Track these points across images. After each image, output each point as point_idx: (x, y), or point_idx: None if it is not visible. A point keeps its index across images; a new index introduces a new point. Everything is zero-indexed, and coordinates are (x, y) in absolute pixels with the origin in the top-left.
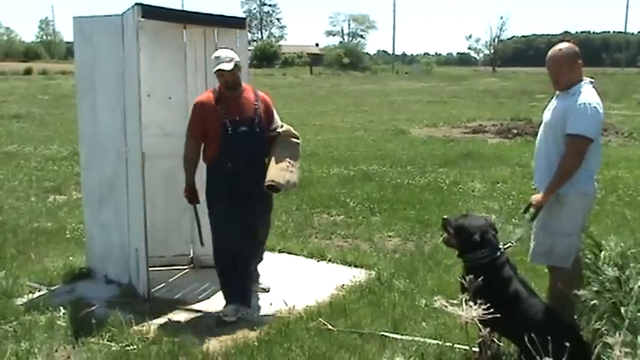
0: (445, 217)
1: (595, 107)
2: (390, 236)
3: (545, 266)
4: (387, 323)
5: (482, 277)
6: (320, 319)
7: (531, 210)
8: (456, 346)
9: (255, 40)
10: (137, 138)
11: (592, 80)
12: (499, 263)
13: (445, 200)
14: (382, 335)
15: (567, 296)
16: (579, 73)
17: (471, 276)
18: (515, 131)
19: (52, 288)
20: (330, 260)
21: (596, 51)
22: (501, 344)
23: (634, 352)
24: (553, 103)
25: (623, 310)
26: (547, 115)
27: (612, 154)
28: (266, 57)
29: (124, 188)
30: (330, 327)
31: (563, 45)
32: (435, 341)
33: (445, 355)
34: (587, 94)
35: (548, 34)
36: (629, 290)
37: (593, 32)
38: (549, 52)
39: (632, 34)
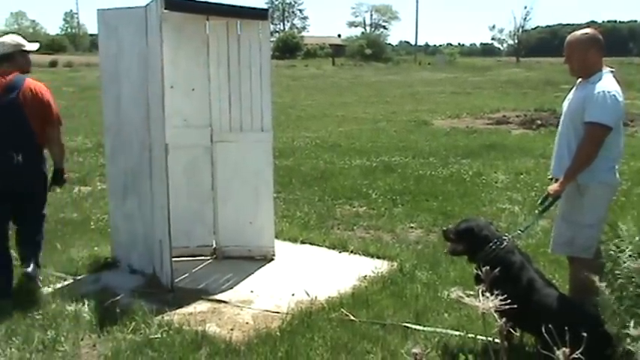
0: (444, 228)
1: (614, 95)
2: (412, 227)
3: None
4: (410, 314)
5: (498, 269)
6: (342, 309)
7: (549, 199)
8: (478, 337)
9: (277, 32)
10: (161, 129)
11: (612, 70)
12: (508, 252)
13: (468, 192)
14: (404, 326)
15: (590, 287)
16: (596, 61)
17: (487, 267)
18: (539, 122)
19: (78, 278)
20: (352, 251)
21: (622, 40)
22: (516, 334)
23: None
24: (573, 92)
25: None
26: (567, 105)
27: (638, 145)
28: (288, 48)
29: (147, 179)
30: (352, 318)
31: (581, 30)
32: (457, 332)
33: (467, 346)
34: (606, 82)
35: (573, 24)
36: None
37: (620, 21)
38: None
39: None
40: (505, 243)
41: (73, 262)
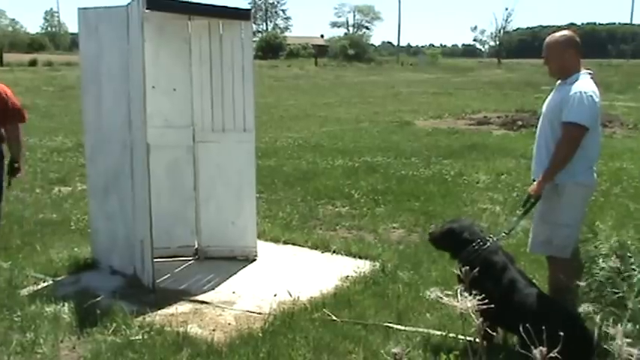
0: (430, 231)
1: (591, 96)
2: (394, 227)
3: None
4: (391, 314)
5: (477, 269)
6: (324, 310)
7: (531, 200)
8: (459, 337)
9: (260, 32)
10: (142, 129)
11: (591, 72)
12: (491, 252)
13: (450, 192)
14: (386, 326)
15: (567, 286)
16: (574, 62)
17: (467, 267)
18: (520, 123)
19: (57, 279)
20: (334, 251)
21: (601, 42)
22: (495, 334)
23: (636, 342)
24: (552, 94)
25: (626, 300)
26: (545, 106)
27: (617, 145)
28: (271, 48)
29: (128, 179)
30: (334, 318)
31: (559, 32)
32: (438, 332)
33: (449, 345)
34: (583, 83)
35: (553, 26)
36: (630, 281)
37: (599, 23)
38: None
39: (638, 25)
40: (489, 244)
41: (52, 263)
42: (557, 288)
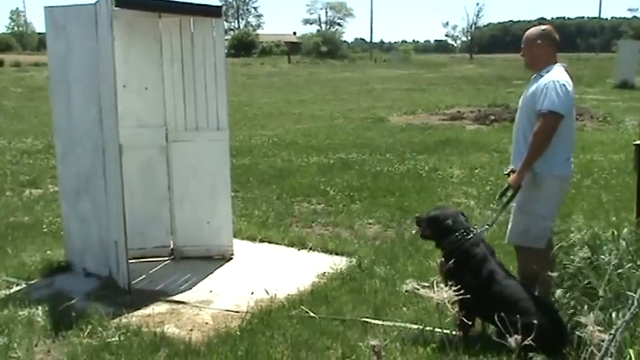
0: (417, 215)
1: (564, 85)
2: (370, 223)
3: None
4: (369, 309)
5: (458, 260)
6: (302, 307)
7: (509, 192)
8: (436, 330)
9: (232, 30)
10: (114, 129)
11: (565, 65)
12: (473, 244)
13: (424, 187)
14: (364, 321)
15: (537, 276)
16: (547, 55)
17: (442, 259)
18: (492, 117)
19: (30, 282)
20: (310, 248)
21: (571, 36)
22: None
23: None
24: (527, 87)
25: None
26: (521, 100)
27: (587, 138)
28: (244, 46)
29: (101, 180)
30: (311, 314)
31: (538, 27)
32: (415, 326)
33: (426, 339)
34: (556, 73)
35: (524, 21)
36: (601, 270)
37: (568, 18)
38: None
39: (606, 19)
40: (471, 235)
41: (25, 266)
42: (528, 278)
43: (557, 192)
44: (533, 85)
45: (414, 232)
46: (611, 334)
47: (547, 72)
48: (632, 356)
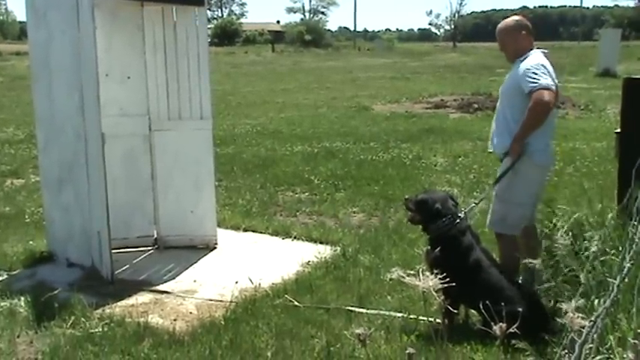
0: (406, 196)
1: (543, 65)
2: (354, 212)
3: None
4: (353, 298)
5: (444, 246)
6: (286, 295)
7: (507, 158)
8: (420, 318)
9: (215, 18)
10: (96, 118)
11: (545, 51)
12: (460, 230)
13: (408, 175)
14: (348, 310)
15: (518, 263)
16: (527, 43)
17: (428, 247)
18: (475, 105)
19: (12, 273)
20: (295, 237)
21: (553, 25)
22: (456, 312)
23: (588, 316)
24: (508, 74)
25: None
26: (502, 86)
27: (569, 126)
28: (227, 35)
29: (84, 170)
30: (296, 303)
31: (507, 19)
32: (399, 314)
33: (410, 327)
34: (534, 57)
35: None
36: (584, 257)
37: (551, 7)
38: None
39: (588, 8)
40: (459, 220)
41: (6, 257)
42: (509, 265)
43: (537, 180)
44: (514, 72)
45: (405, 217)
46: (591, 320)
47: (526, 57)
48: (613, 342)
